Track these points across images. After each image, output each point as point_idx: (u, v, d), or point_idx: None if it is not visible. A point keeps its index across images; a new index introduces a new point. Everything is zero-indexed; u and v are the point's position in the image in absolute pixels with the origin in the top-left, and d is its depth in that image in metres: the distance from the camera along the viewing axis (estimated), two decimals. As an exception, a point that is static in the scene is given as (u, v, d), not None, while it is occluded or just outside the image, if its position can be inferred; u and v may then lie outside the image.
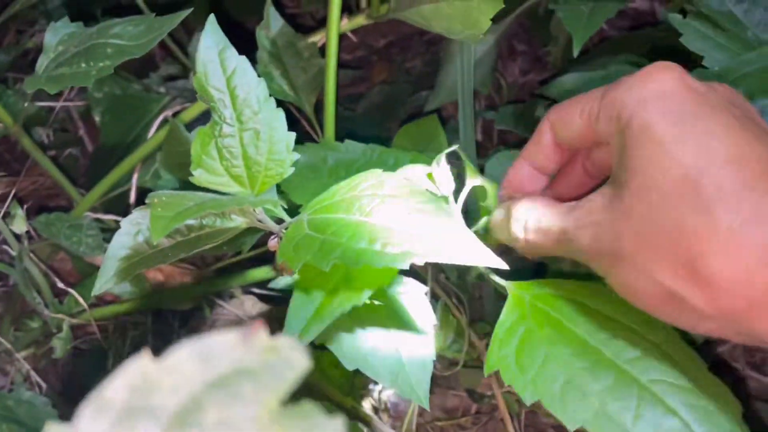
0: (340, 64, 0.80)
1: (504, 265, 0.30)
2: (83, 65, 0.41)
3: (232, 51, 0.37)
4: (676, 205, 0.25)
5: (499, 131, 0.73)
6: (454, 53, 0.63)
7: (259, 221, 0.39)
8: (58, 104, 0.65)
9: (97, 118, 0.70)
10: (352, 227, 0.32)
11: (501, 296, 0.61)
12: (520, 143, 0.72)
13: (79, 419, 0.14)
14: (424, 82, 0.75)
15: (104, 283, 0.35)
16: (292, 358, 0.15)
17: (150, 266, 0.37)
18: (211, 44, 0.37)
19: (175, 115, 0.61)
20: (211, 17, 0.37)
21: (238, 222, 0.38)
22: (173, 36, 0.72)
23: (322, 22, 0.77)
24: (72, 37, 0.43)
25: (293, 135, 0.38)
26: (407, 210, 0.32)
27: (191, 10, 0.42)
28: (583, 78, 0.52)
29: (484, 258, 0.29)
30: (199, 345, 0.15)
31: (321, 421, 0.14)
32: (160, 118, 0.59)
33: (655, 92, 0.27)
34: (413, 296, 0.43)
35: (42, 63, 0.43)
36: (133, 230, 0.37)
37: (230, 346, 0.15)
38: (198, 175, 0.37)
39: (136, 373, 0.14)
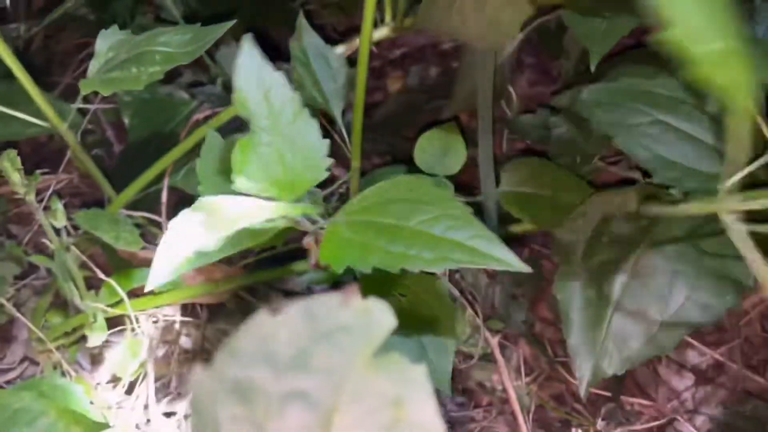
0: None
1: (529, 269, 0.33)
2: (134, 70, 0.44)
3: (268, 67, 0.40)
4: None
5: (507, 140, 0.77)
6: (470, 64, 0.66)
7: (296, 222, 0.42)
8: (92, 107, 0.68)
9: (125, 121, 0.73)
10: (388, 231, 0.35)
11: (512, 296, 0.65)
12: (529, 152, 0.76)
13: (215, 362, 0.17)
14: (437, 92, 0.78)
15: (157, 279, 0.38)
16: (381, 317, 0.18)
17: (199, 263, 0.40)
18: (248, 61, 0.40)
19: (205, 119, 0.64)
20: (248, 35, 0.40)
21: (278, 223, 0.41)
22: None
23: (343, 34, 0.80)
24: (122, 43, 0.47)
25: (327, 142, 0.41)
26: (439, 215, 0.35)
27: (235, 21, 0.46)
28: (594, 89, 0.56)
29: (513, 263, 0.32)
30: (307, 305, 0.18)
31: (408, 367, 0.18)
32: (192, 120, 0.62)
33: None
34: (435, 291, 0.46)
35: (94, 67, 0.46)
36: (183, 230, 0.40)
37: (332, 307, 0.18)
38: (239, 183, 0.40)
39: (258, 327, 0.17)
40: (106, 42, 0.47)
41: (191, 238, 0.41)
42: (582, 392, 0.47)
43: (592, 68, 0.50)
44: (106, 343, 0.63)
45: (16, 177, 0.51)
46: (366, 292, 0.47)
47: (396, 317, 0.44)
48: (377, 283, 0.47)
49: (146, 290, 0.39)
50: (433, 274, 0.58)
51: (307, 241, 0.46)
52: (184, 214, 0.43)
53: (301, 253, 0.57)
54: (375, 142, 0.71)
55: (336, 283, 0.53)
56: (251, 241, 0.43)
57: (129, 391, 0.60)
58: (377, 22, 0.60)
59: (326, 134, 0.49)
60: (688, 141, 0.51)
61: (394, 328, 0.18)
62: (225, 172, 0.49)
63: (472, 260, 0.32)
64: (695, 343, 0.63)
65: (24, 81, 0.48)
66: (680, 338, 0.46)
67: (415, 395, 0.17)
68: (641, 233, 0.48)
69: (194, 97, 0.71)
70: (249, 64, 0.40)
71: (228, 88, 0.72)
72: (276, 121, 0.41)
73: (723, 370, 0.62)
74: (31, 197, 0.52)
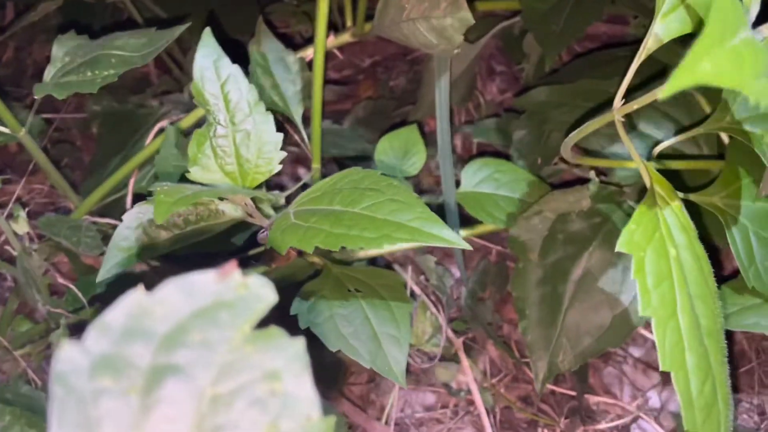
0: (329, 82, 0.84)
1: (468, 246, 0.34)
2: (89, 74, 0.45)
3: (225, 60, 0.41)
4: None
5: (477, 145, 0.77)
6: (433, 70, 0.67)
7: (250, 215, 0.42)
8: (58, 116, 0.69)
9: (94, 130, 0.73)
10: (333, 216, 0.36)
11: (479, 298, 0.65)
12: (496, 155, 0.76)
13: (85, 338, 0.17)
14: (407, 99, 0.79)
15: (108, 270, 0.38)
16: (261, 293, 0.18)
17: (149, 257, 0.40)
18: (206, 54, 0.41)
19: (171, 124, 0.65)
20: (207, 30, 0.41)
21: (231, 213, 0.41)
22: (169, 53, 0.75)
23: (310, 41, 0.81)
24: (78, 48, 0.47)
25: (281, 135, 0.42)
26: (384, 200, 0.35)
27: (189, 24, 0.46)
28: (553, 90, 0.56)
29: (454, 242, 0.33)
30: (184, 281, 0.18)
31: (285, 341, 0.18)
32: (157, 127, 0.62)
33: None
34: (391, 286, 0.46)
35: (49, 72, 0.47)
36: (134, 224, 0.41)
37: (210, 282, 0.18)
38: (194, 172, 0.41)
39: (132, 303, 0.18)
40: (63, 47, 0.48)
41: (143, 229, 0.42)
42: (538, 388, 0.47)
43: (547, 68, 0.51)
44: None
45: (-23, 184, 0.52)
46: (321, 289, 0.47)
47: (352, 311, 0.44)
48: (332, 280, 0.47)
49: (97, 281, 0.39)
50: (390, 269, 0.58)
51: (262, 236, 0.47)
52: (138, 207, 0.43)
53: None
54: (343, 148, 0.72)
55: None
56: (205, 233, 0.43)
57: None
58: (338, 28, 0.61)
59: (287, 137, 0.50)
60: (642, 139, 0.51)
61: (274, 303, 0.18)
62: (183, 167, 0.49)
63: (413, 238, 0.33)
64: (662, 342, 0.63)
65: (-19, 88, 0.49)
66: (631, 332, 0.46)
67: (291, 368, 0.18)
68: (594, 230, 0.49)
69: (162, 105, 0.71)
70: (206, 56, 0.40)
71: (195, 95, 0.73)
72: (232, 113, 0.41)
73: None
74: (-8, 204, 0.53)
